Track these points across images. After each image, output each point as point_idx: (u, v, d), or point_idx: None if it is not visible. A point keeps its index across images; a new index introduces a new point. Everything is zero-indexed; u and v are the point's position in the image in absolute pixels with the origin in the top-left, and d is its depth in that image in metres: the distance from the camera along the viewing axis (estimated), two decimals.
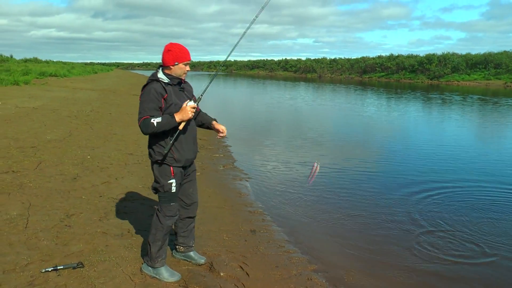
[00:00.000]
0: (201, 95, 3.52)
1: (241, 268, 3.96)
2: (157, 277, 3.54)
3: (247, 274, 3.85)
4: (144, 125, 3.22)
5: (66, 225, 4.46)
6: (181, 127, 3.33)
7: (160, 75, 3.39)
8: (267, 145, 10.78)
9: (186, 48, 3.41)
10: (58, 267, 3.48)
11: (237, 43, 3.76)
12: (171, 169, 3.41)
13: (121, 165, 7.24)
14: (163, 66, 3.42)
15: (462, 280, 4.12)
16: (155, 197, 5.65)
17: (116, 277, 3.49)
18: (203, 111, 3.81)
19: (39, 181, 5.89)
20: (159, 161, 3.41)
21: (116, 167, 7.04)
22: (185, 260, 3.93)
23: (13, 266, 3.51)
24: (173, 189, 3.44)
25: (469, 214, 5.88)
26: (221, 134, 3.71)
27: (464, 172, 8.24)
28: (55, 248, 3.90)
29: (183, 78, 3.48)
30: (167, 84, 3.37)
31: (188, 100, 3.37)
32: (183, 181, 3.62)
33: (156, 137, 3.38)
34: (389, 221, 5.55)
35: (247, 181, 7.31)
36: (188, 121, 3.39)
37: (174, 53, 3.35)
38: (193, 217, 3.82)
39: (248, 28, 3.78)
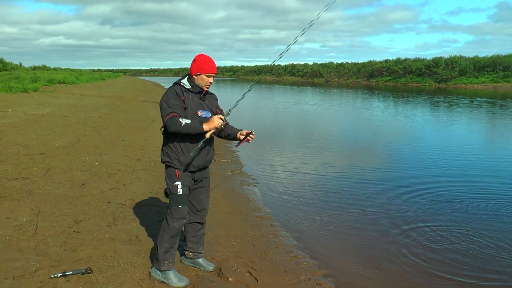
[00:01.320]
0: (230, 111, 3.55)
1: (250, 273, 3.94)
2: (166, 281, 3.54)
3: (255, 279, 3.83)
4: (172, 122, 3.29)
5: (74, 231, 4.47)
6: (208, 135, 3.37)
7: (184, 80, 3.52)
8: (275, 150, 10.77)
9: (213, 61, 3.50)
10: (67, 273, 3.50)
11: (287, 49, 3.80)
12: (176, 171, 3.49)
13: (129, 171, 7.27)
14: (190, 74, 3.54)
15: (472, 284, 4.07)
16: (163, 202, 5.66)
17: (125, 283, 3.49)
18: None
19: (48, 187, 5.93)
20: (167, 163, 3.53)
21: (124, 173, 7.06)
22: (193, 266, 3.92)
23: (23, 272, 3.52)
24: (180, 191, 3.48)
25: (483, 221, 5.82)
26: (250, 137, 3.58)
27: (472, 179, 8.17)
28: (64, 254, 3.91)
29: (205, 89, 3.54)
30: (188, 90, 3.48)
31: (217, 116, 3.36)
32: (193, 186, 3.64)
33: (167, 139, 3.50)
34: (399, 227, 5.50)
35: (255, 186, 7.30)
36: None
37: (199, 64, 3.46)
38: (202, 223, 3.83)
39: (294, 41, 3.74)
